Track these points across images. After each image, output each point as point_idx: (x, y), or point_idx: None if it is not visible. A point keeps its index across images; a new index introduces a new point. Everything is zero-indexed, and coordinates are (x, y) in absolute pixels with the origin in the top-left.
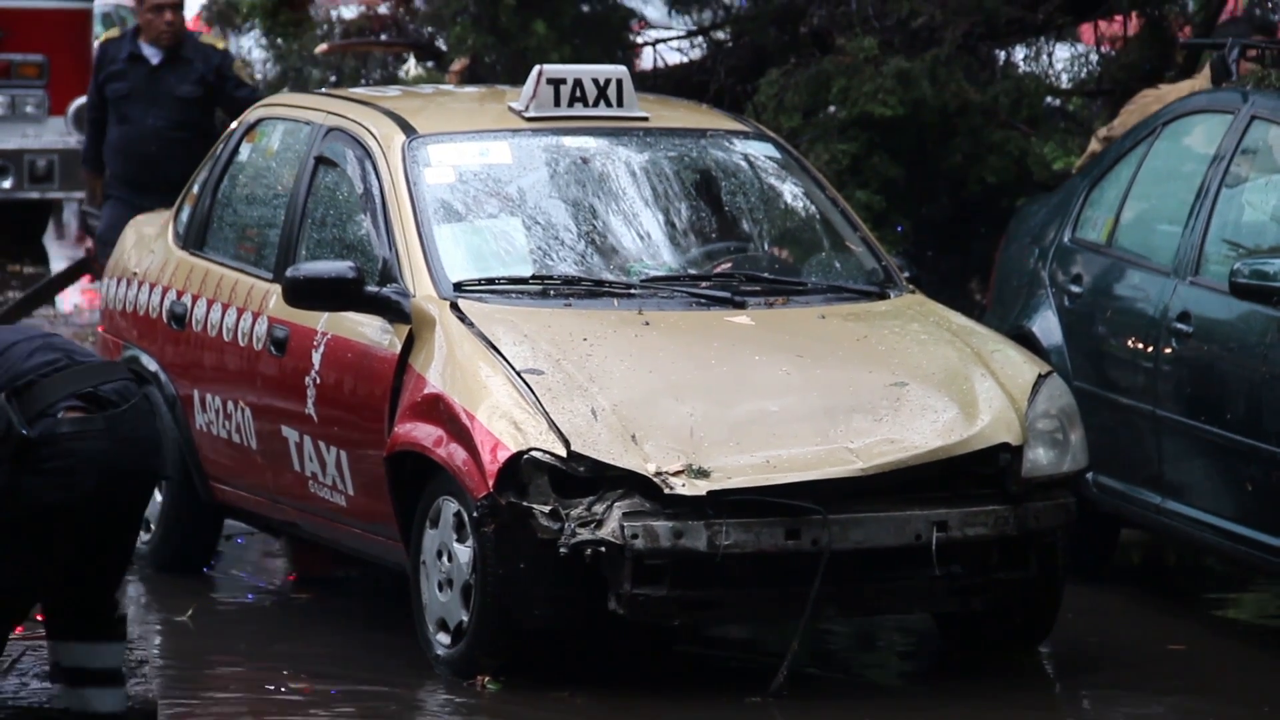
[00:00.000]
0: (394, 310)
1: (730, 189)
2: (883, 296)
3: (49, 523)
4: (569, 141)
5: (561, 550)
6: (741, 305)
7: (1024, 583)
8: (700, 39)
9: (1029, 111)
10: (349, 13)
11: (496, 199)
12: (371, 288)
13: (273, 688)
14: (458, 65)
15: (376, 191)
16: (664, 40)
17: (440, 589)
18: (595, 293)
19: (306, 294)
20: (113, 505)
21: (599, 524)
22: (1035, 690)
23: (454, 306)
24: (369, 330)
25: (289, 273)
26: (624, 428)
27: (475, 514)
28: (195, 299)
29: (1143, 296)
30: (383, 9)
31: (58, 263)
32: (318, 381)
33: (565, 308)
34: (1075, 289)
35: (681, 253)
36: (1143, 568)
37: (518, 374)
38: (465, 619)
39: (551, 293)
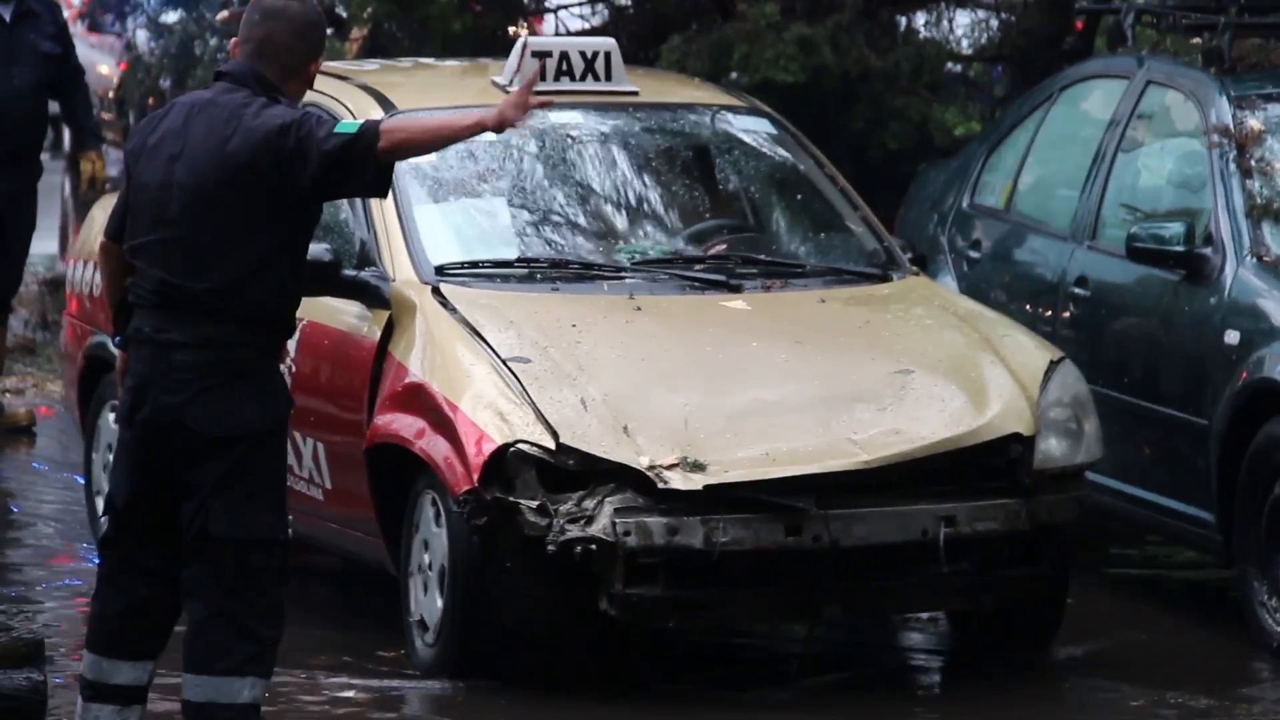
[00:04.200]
0: (373, 295)
1: (724, 166)
2: (885, 279)
3: None
4: (555, 117)
5: (550, 548)
6: (737, 289)
7: (1035, 580)
8: (601, 5)
9: (930, 78)
10: None
11: (480, 178)
12: (349, 271)
13: None
14: (357, 34)
15: None
16: (566, 6)
17: (422, 587)
18: (584, 276)
19: None
20: None
21: (589, 520)
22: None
23: (436, 291)
24: (347, 316)
25: None
26: (615, 419)
27: (459, 510)
28: None
29: (1041, 261)
30: None
31: None
32: (293, 370)
33: (553, 292)
34: (974, 254)
35: (674, 234)
36: None
37: (503, 362)
38: (447, 618)
39: (538, 276)
